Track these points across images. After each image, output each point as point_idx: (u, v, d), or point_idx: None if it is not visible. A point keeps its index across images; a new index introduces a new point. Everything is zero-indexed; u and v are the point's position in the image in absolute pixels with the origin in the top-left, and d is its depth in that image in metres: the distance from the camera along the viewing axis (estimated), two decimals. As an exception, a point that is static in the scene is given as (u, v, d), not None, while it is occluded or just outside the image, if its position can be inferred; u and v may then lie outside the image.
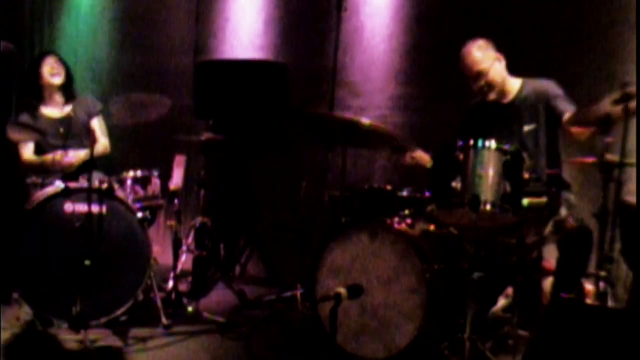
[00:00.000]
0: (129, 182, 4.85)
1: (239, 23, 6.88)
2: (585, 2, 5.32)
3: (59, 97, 5.39)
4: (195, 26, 6.53)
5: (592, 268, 4.15)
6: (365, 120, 4.30)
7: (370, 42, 6.24)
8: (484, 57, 4.49)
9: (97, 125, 5.50)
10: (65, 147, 5.16)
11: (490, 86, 4.51)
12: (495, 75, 4.50)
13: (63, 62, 5.45)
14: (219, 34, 6.94)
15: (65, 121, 5.33)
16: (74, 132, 5.29)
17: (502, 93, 4.57)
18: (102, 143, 5.47)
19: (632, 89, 3.75)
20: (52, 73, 5.33)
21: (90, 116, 5.45)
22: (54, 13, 7.69)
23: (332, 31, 5.40)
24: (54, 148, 5.19)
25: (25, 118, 5.31)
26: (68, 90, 5.43)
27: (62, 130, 5.24)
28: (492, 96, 4.55)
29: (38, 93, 5.38)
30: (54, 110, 5.39)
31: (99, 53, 7.39)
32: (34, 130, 5.03)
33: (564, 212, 4.25)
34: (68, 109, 5.41)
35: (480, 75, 4.49)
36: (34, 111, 5.35)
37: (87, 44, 7.42)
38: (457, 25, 5.73)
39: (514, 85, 4.57)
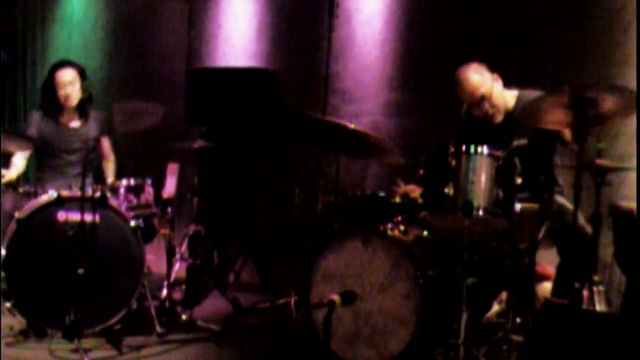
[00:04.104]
0: (122, 191, 4.83)
1: (231, 30, 6.88)
2: (580, 6, 5.33)
3: (74, 111, 5.33)
4: (188, 33, 6.54)
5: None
6: (351, 125, 4.32)
7: (362, 48, 6.25)
8: (483, 79, 4.37)
9: (107, 142, 5.52)
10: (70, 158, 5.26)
11: (494, 108, 4.40)
12: (498, 96, 4.40)
13: (82, 76, 5.33)
14: (211, 41, 6.94)
15: (78, 133, 5.32)
16: (81, 145, 5.28)
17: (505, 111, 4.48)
18: (112, 160, 5.53)
19: (590, 94, 3.71)
20: (66, 96, 5.23)
21: (102, 132, 5.44)
22: (46, 21, 7.69)
23: (324, 38, 5.41)
24: (59, 156, 5.25)
25: (37, 117, 5.28)
26: (84, 107, 5.34)
27: (73, 140, 5.28)
28: (498, 119, 4.44)
29: (49, 102, 5.30)
30: (69, 119, 5.35)
31: (91, 61, 7.37)
32: (25, 139, 5.03)
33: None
34: (81, 121, 5.36)
35: (483, 98, 4.37)
36: (52, 114, 5.30)
37: (79, 52, 7.40)
38: (449, 31, 5.74)
39: (511, 98, 4.47)
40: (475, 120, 4.53)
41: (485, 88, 4.36)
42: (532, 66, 5.23)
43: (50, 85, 5.27)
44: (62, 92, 5.23)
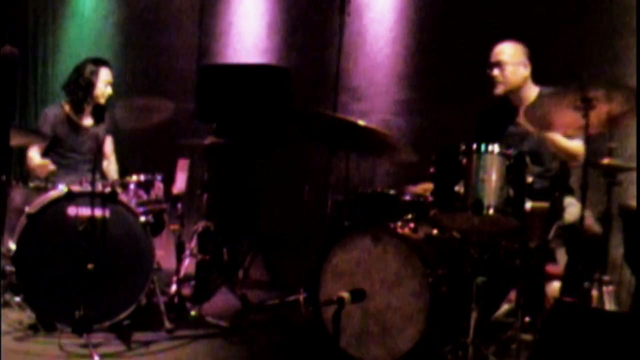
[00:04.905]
0: (132, 186, 4.83)
1: (242, 27, 6.88)
2: (587, 7, 5.32)
3: (92, 111, 5.35)
4: (199, 30, 6.55)
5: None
6: (362, 122, 4.32)
7: (373, 45, 6.25)
8: (511, 53, 4.56)
9: (110, 142, 5.54)
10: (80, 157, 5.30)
11: (502, 77, 4.55)
12: (512, 75, 4.54)
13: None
14: (222, 38, 6.95)
15: (90, 133, 5.34)
16: (92, 145, 5.30)
17: (518, 98, 4.58)
18: (114, 161, 5.56)
19: (593, 93, 3.70)
20: (107, 95, 5.32)
21: (107, 132, 5.48)
22: (57, 16, 7.70)
23: (335, 35, 5.40)
24: (70, 156, 5.29)
25: (51, 115, 5.30)
26: (103, 109, 5.36)
27: (84, 140, 5.32)
28: (499, 90, 4.57)
29: (83, 97, 5.33)
30: (83, 118, 5.38)
31: (102, 56, 7.39)
32: (37, 134, 5.04)
33: (568, 216, 4.24)
34: (94, 121, 5.36)
35: (497, 64, 4.55)
36: (67, 111, 5.33)
37: (90, 48, 7.40)
38: (460, 29, 5.73)
39: (532, 92, 4.58)
40: (501, 111, 4.66)
41: (507, 58, 4.55)
42: (539, 64, 5.21)
43: (91, 79, 5.30)
44: (105, 91, 5.31)
